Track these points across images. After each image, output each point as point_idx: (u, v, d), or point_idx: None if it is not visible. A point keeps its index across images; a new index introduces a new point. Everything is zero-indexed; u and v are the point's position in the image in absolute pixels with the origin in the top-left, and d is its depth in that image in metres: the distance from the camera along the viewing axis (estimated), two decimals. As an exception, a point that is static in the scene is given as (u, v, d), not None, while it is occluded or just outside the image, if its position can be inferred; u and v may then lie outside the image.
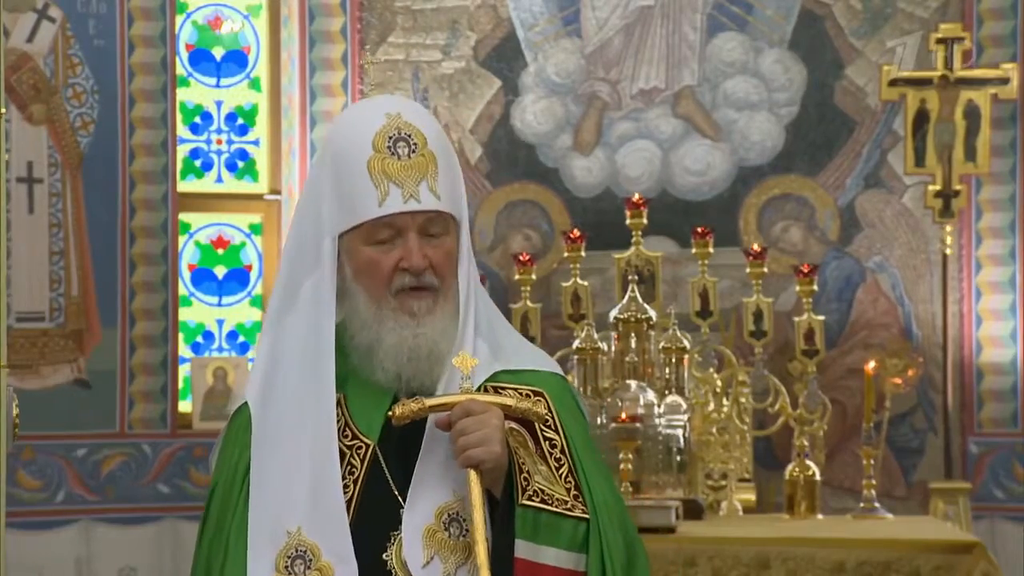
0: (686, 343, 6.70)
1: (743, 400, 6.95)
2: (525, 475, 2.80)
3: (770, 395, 6.94)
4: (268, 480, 2.84)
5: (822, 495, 6.89)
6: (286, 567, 2.81)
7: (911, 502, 8.18)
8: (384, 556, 2.81)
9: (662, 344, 6.69)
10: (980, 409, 8.33)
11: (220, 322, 8.50)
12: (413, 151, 2.84)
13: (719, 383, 6.92)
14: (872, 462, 6.78)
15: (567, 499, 2.82)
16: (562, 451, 2.88)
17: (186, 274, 8.43)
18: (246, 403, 2.91)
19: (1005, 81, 8.03)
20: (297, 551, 2.81)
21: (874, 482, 6.80)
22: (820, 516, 6.74)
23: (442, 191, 2.85)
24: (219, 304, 8.50)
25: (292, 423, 2.85)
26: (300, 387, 2.85)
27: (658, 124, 8.53)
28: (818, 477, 6.77)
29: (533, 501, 2.79)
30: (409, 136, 2.84)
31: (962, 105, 8.02)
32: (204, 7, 8.54)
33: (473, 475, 2.76)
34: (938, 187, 7.99)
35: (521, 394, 2.88)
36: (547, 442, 2.88)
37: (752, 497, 6.99)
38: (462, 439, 2.76)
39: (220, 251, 8.52)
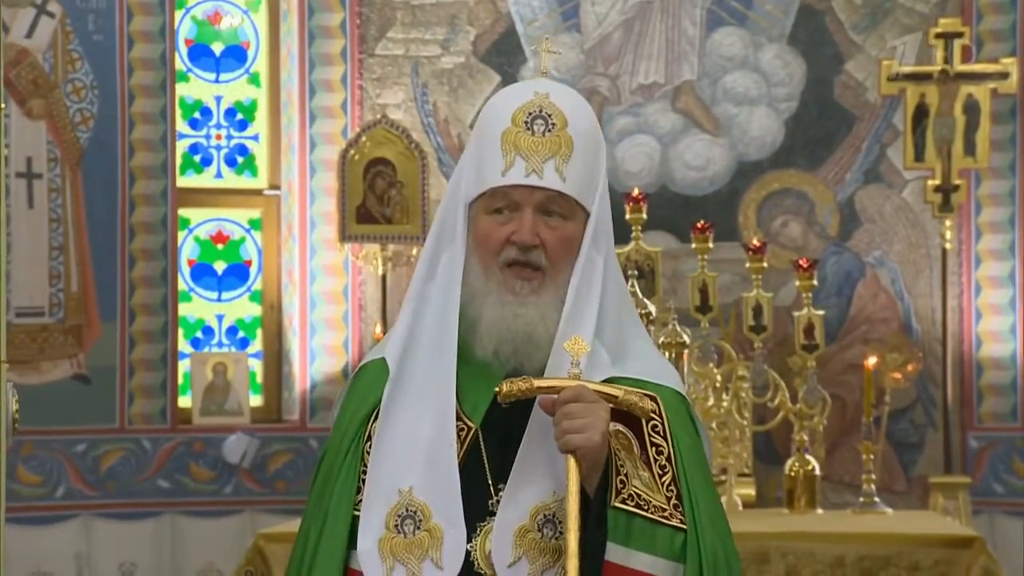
0: (686, 338, 6.69)
1: (743, 395, 6.94)
2: (622, 478, 2.77)
3: (770, 390, 6.93)
4: (389, 439, 2.84)
5: (822, 490, 6.88)
6: (395, 525, 2.81)
7: (911, 497, 8.19)
8: (468, 547, 2.79)
9: (662, 339, 6.68)
10: (980, 404, 8.33)
11: (220, 317, 8.49)
12: (549, 130, 2.84)
13: (719, 378, 6.91)
14: (872, 457, 6.78)
15: (665, 507, 2.79)
16: (668, 459, 2.82)
17: (186, 269, 8.42)
18: (371, 361, 2.92)
19: (1005, 76, 8.03)
20: (408, 510, 2.81)
21: (874, 477, 6.79)
22: (820, 511, 6.74)
23: (570, 175, 2.82)
24: (219, 299, 8.50)
25: (417, 390, 2.85)
26: (430, 357, 2.85)
27: (657, 119, 8.53)
28: (818, 472, 6.77)
29: (627, 504, 2.75)
30: (549, 116, 2.86)
31: (962, 100, 8.02)
32: (203, 2, 8.54)
33: (572, 463, 2.72)
34: (938, 182, 7.99)
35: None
36: (654, 448, 2.83)
37: (752, 492, 6.98)
38: (566, 422, 2.71)
39: (220, 246, 8.51)
